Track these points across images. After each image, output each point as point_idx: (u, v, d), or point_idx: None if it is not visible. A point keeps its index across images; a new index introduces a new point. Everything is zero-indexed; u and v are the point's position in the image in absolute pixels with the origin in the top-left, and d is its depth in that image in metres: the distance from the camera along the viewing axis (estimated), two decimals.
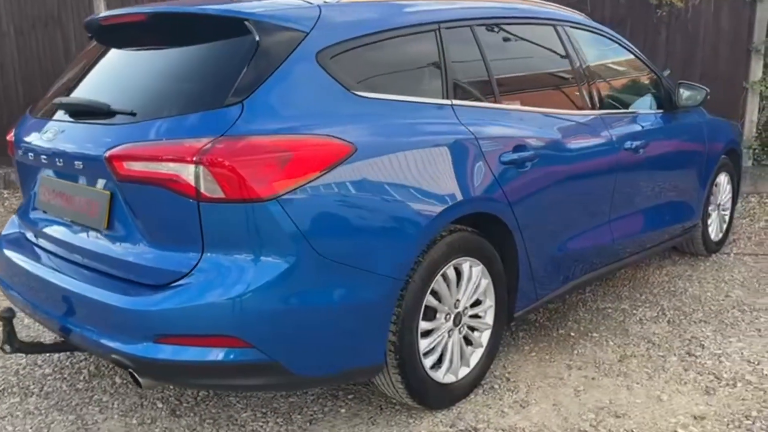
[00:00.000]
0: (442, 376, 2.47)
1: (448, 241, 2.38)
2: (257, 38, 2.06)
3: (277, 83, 2.03)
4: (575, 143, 2.97)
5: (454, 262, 2.42)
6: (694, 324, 3.34)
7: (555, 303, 3.58)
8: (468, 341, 2.59)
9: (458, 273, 2.47)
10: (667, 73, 4.25)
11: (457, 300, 2.48)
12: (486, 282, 2.60)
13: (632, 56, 3.70)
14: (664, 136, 3.73)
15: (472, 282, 2.53)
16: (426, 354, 2.40)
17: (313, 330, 2.03)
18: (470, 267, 2.51)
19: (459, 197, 2.34)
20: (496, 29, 2.83)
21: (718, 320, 3.35)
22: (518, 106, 2.77)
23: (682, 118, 3.90)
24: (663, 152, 3.68)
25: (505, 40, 2.91)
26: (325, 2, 2.30)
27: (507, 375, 2.79)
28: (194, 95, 2.02)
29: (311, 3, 2.26)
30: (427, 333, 2.40)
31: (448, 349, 2.49)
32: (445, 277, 2.41)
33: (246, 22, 2.08)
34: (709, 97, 3.86)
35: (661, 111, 3.78)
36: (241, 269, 1.93)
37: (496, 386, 2.70)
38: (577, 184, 2.97)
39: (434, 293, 2.39)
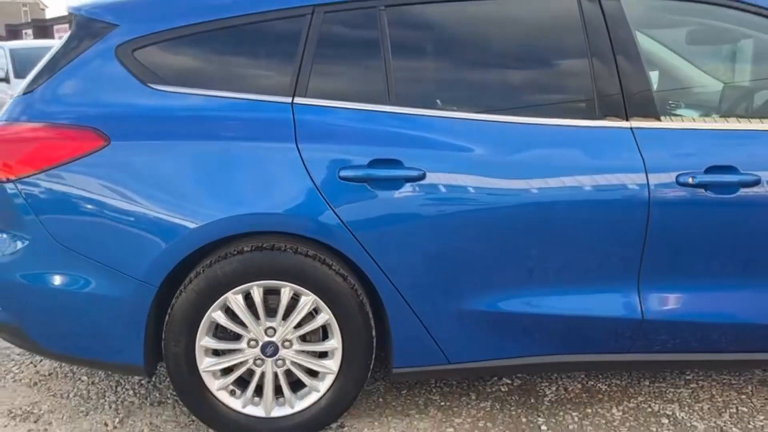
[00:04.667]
0: (240, 405, 2.20)
1: (245, 259, 2.08)
2: (73, 31, 2.20)
3: (67, 74, 2.12)
4: (533, 167, 2.10)
5: (261, 283, 2.11)
6: None
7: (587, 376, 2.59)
8: (299, 380, 2.22)
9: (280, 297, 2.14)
10: None
11: (270, 328, 2.15)
12: (325, 318, 2.16)
13: None
14: None
15: (297, 312, 2.14)
16: (218, 374, 2.18)
17: (50, 308, 2.12)
18: (291, 294, 2.13)
19: (227, 213, 2.03)
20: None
21: None
22: (416, 110, 2.12)
23: None
24: None
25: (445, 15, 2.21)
26: None
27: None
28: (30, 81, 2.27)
29: None
30: (218, 352, 2.18)
31: (254, 380, 2.19)
32: (247, 297, 2.13)
33: (75, 16, 2.23)
34: None
35: None
36: None
37: None
38: (523, 227, 2.11)
39: (231, 312, 2.14)
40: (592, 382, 2.65)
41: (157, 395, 2.55)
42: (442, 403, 2.49)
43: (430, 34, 2.23)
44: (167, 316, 2.11)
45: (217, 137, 2.08)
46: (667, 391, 2.57)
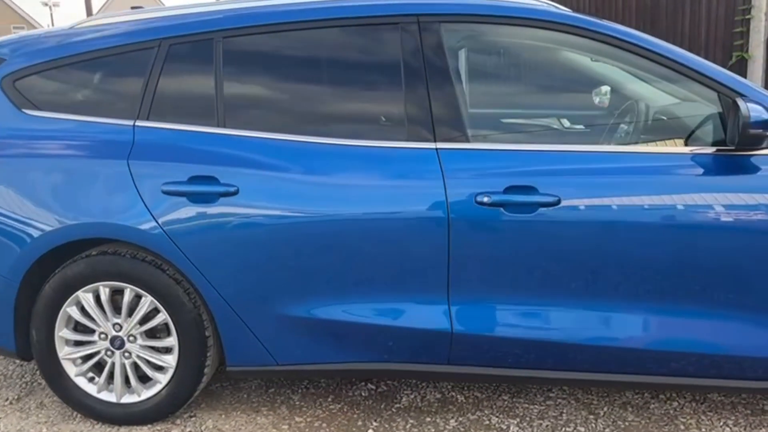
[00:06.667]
0: (96, 390, 2.50)
1: (90, 261, 2.39)
2: None
3: None
4: (330, 182, 2.26)
5: (106, 283, 2.40)
6: None
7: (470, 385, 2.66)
8: (145, 373, 2.48)
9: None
10: None
11: (117, 324, 2.43)
12: (162, 317, 2.41)
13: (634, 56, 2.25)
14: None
15: (139, 311, 2.41)
16: (78, 362, 2.50)
17: None
18: (133, 294, 2.40)
19: (71, 221, 2.33)
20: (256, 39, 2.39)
21: None
22: (238, 131, 2.33)
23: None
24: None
25: (273, 51, 2.40)
26: (53, 30, 2.60)
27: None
28: None
29: (40, 32, 2.61)
30: (76, 343, 2.49)
31: (106, 369, 2.49)
32: (97, 296, 2.43)
33: None
34: None
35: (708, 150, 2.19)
36: None
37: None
38: (329, 237, 2.26)
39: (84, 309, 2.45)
40: (453, 393, 2.72)
41: None
42: (297, 403, 2.67)
43: (258, 61, 2.42)
44: (33, 310, 2.46)
45: (68, 155, 2.40)
46: (519, 407, 2.60)
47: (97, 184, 2.36)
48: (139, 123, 2.40)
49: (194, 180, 2.30)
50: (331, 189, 2.27)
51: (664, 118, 2.56)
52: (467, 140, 2.26)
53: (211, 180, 2.30)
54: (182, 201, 2.30)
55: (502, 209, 2.17)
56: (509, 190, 2.17)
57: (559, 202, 2.15)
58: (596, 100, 3.19)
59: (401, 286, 2.30)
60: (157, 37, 2.44)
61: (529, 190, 2.17)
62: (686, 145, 2.30)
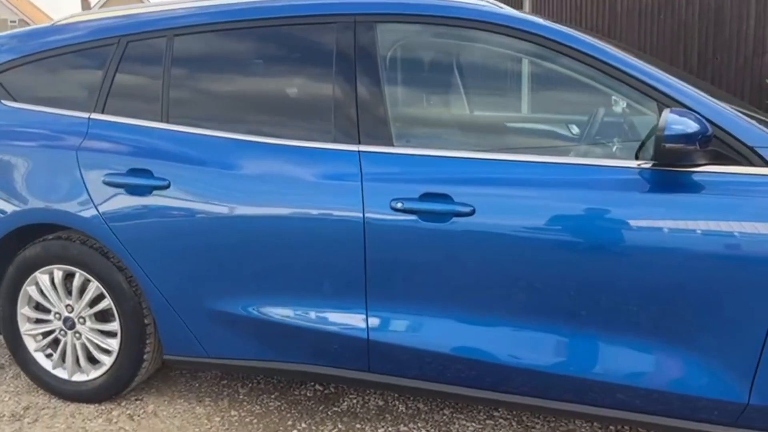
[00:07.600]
0: (51, 366, 2.65)
1: (45, 245, 2.53)
2: None
3: None
4: (249, 182, 2.26)
5: (60, 266, 2.54)
6: None
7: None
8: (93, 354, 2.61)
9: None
10: None
11: (69, 305, 2.57)
12: (107, 303, 2.52)
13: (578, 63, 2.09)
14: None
15: (87, 294, 2.54)
16: (39, 338, 2.66)
17: None
18: (81, 278, 2.53)
19: (28, 205, 2.47)
20: (199, 38, 2.43)
21: None
22: (170, 126, 2.39)
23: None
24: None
25: (213, 51, 2.42)
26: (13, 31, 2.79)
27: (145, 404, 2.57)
28: None
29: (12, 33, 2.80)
30: (37, 321, 2.65)
31: (60, 347, 2.63)
32: (52, 278, 2.57)
33: None
34: None
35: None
36: None
37: (117, 412, 2.57)
38: (249, 233, 2.27)
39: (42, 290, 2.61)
40: (396, 402, 2.65)
41: None
42: (241, 397, 2.71)
43: (200, 59, 2.46)
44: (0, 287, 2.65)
45: (34, 144, 2.56)
46: (456, 423, 2.49)
47: (53, 172, 2.50)
48: (93, 116, 2.52)
49: (132, 172, 2.39)
50: (255, 187, 2.27)
51: (626, 128, 2.37)
52: (391, 144, 2.20)
53: (146, 173, 2.37)
54: (121, 192, 2.40)
55: (416, 217, 2.10)
56: (424, 197, 2.09)
57: (473, 212, 2.04)
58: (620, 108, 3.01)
59: (322, 289, 2.27)
60: (117, 34, 2.55)
61: (444, 198, 2.08)
62: (637, 158, 2.12)
